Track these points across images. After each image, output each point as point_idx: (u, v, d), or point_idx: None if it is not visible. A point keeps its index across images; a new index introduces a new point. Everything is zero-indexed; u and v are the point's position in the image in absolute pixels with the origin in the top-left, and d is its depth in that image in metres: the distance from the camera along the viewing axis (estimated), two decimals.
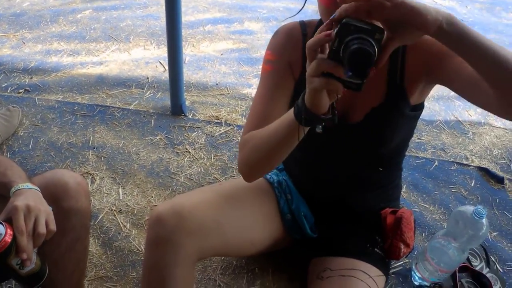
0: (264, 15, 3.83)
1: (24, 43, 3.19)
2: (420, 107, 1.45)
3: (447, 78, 1.25)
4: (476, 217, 1.63)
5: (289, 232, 1.57)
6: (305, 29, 1.40)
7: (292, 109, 1.12)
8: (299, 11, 1.46)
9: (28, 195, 1.17)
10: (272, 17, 3.83)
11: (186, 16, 3.63)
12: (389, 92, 1.35)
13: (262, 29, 3.63)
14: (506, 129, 3.13)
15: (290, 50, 1.29)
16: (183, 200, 1.37)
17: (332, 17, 0.92)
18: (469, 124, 3.08)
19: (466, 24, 0.93)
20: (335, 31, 0.91)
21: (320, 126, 1.08)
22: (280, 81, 1.39)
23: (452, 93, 2.93)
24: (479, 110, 3.22)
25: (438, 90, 3.31)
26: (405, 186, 2.44)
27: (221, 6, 3.89)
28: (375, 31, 0.89)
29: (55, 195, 1.31)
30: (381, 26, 0.91)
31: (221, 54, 3.25)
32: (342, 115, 1.34)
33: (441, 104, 3.21)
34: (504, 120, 3.16)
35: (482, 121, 3.15)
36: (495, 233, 2.29)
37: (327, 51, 0.93)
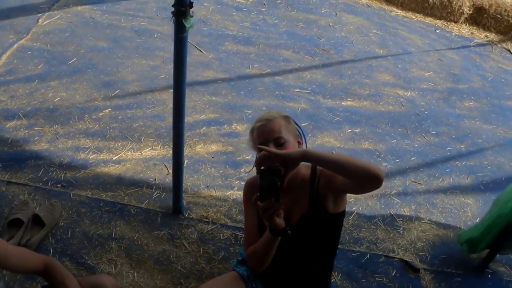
0: (249, 116, 4.83)
1: (57, 138, 4.12)
2: (340, 215, 2.57)
3: (337, 185, 2.36)
4: None
5: None
6: None
7: (268, 230, 2.29)
8: (250, 170, 2.65)
9: None
10: (255, 117, 4.77)
11: (186, 117, 4.55)
12: (310, 204, 2.44)
13: (246, 131, 4.62)
14: (432, 223, 4.12)
15: (253, 195, 2.33)
16: None
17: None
18: (401, 220, 4.06)
19: (317, 151, 2.15)
20: (259, 175, 2.18)
21: (289, 230, 2.28)
22: (252, 213, 2.58)
23: (393, 191, 4.00)
24: (413, 206, 4.22)
25: (381, 190, 4.33)
26: (340, 275, 3.43)
27: (215, 106, 4.88)
28: (278, 171, 2.17)
29: None
30: (280, 167, 2.17)
31: (212, 157, 4.25)
32: (285, 220, 2.40)
33: (382, 202, 4.16)
34: (431, 216, 4.16)
35: (414, 216, 4.14)
36: None
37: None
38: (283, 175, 2.20)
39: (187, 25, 2.54)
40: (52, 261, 2.30)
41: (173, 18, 2.53)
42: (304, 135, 2.60)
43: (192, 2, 2.49)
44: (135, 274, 3.17)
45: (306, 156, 2.12)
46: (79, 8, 6.22)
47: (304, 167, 2.53)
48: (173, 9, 2.49)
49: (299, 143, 2.52)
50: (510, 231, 3.39)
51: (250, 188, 2.68)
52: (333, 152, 4.63)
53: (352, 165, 2.10)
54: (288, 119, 2.52)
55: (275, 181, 2.13)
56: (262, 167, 2.19)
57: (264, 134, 2.41)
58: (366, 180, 2.11)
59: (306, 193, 2.48)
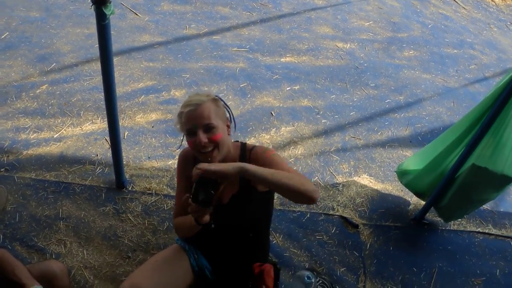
0: (187, 80, 5.02)
1: None
2: (270, 192, 2.80)
3: None
4: (307, 280, 3.03)
5: (197, 278, 2.85)
6: None
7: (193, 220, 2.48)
8: (179, 146, 2.88)
9: None
10: (193, 82, 5.04)
11: (124, 87, 4.78)
12: (241, 185, 2.66)
13: (185, 96, 4.79)
14: (371, 178, 4.45)
15: (186, 167, 2.68)
16: (136, 279, 2.60)
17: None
18: (341, 177, 4.35)
19: (254, 167, 2.24)
20: (195, 183, 2.27)
21: (212, 225, 2.51)
22: (184, 186, 2.75)
23: (332, 148, 4.32)
24: (352, 163, 4.55)
25: (320, 147, 4.64)
26: (281, 236, 3.69)
27: (152, 72, 5.05)
28: (213, 181, 2.26)
29: (48, 279, 2.59)
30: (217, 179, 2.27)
31: (152, 127, 4.46)
32: (217, 199, 2.62)
33: (321, 160, 4.43)
34: (370, 171, 4.48)
35: (353, 172, 4.45)
36: (343, 269, 3.57)
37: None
38: (218, 185, 2.32)
39: (107, 12, 2.65)
40: (1, 253, 2.51)
41: (92, 6, 2.64)
42: (232, 116, 2.75)
43: None
44: (85, 252, 3.40)
45: (242, 172, 2.25)
46: None
47: (234, 148, 2.72)
48: None
49: (228, 126, 2.64)
50: (445, 180, 3.69)
51: (184, 160, 2.86)
52: (272, 113, 4.91)
53: (288, 187, 2.25)
54: (217, 102, 2.59)
55: (212, 195, 2.28)
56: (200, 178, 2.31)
57: (193, 120, 2.47)
58: (299, 200, 2.34)
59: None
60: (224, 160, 2.59)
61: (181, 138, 2.74)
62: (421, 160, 3.86)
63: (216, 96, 2.63)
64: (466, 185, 3.56)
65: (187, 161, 2.79)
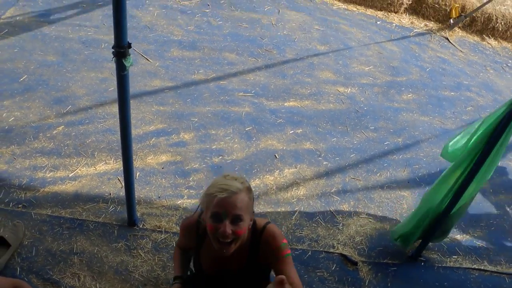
0: (195, 124, 5.25)
1: (15, 158, 4.44)
2: None
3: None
4: None
5: None
6: (199, 222, 2.89)
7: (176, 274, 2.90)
8: (195, 212, 2.94)
9: None
10: (201, 125, 5.26)
11: (136, 129, 4.99)
12: (248, 261, 2.82)
13: (194, 139, 5.07)
14: (370, 217, 4.62)
15: (188, 236, 2.92)
16: None
17: None
18: (341, 216, 4.54)
19: None
20: None
21: None
22: (184, 243, 3.01)
23: (333, 189, 4.49)
24: (352, 202, 4.72)
25: (321, 188, 4.82)
26: None
27: (163, 116, 5.28)
28: None
29: None
30: None
31: (162, 168, 4.67)
32: (225, 269, 2.86)
33: (322, 200, 4.62)
34: (369, 211, 4.66)
35: (352, 212, 4.64)
36: None
37: None
38: None
39: (127, 64, 2.89)
40: (21, 283, 2.71)
41: (113, 58, 2.88)
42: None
43: (131, 43, 2.83)
44: (97, 286, 3.57)
45: None
46: (26, 20, 6.47)
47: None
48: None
49: (251, 219, 2.62)
50: (440, 221, 3.90)
51: (186, 231, 2.99)
52: (275, 155, 5.11)
53: None
54: (250, 194, 2.55)
55: None
56: None
57: (224, 207, 2.41)
58: None
59: (245, 255, 2.83)
60: (236, 249, 2.59)
61: (196, 209, 2.84)
62: (410, 220, 4.11)
63: (248, 184, 2.59)
64: (461, 215, 3.78)
65: (189, 233, 2.94)
